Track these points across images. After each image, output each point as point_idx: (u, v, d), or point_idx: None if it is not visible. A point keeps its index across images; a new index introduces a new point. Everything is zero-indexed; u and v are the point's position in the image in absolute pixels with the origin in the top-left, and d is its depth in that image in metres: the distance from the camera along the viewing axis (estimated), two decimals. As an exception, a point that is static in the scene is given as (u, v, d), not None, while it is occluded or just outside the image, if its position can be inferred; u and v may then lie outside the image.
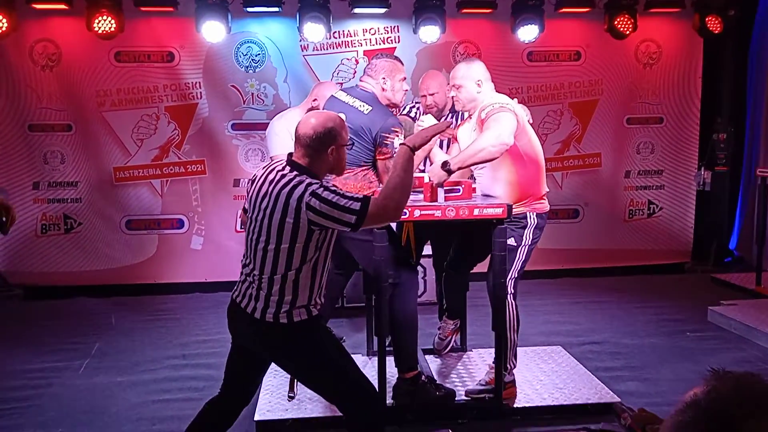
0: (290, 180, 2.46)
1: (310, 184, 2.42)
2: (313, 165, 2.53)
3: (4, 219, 4.00)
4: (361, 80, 3.68)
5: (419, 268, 5.06)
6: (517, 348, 3.70)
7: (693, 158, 6.66)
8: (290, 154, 2.60)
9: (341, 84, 5.64)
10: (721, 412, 1.00)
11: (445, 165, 3.33)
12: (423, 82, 4.37)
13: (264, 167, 2.66)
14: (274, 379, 3.84)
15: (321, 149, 2.53)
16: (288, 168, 2.54)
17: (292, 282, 2.47)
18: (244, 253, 2.62)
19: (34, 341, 4.81)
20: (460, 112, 4.06)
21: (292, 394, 3.67)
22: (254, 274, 2.52)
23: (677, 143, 6.64)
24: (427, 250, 4.78)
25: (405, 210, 3.19)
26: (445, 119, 4.23)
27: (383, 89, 3.57)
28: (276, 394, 3.73)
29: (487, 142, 3.31)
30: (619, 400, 3.61)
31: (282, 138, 4.24)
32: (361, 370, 2.65)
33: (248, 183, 2.69)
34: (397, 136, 3.43)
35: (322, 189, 2.40)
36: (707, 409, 1.01)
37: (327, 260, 2.58)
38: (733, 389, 1.02)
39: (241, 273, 2.61)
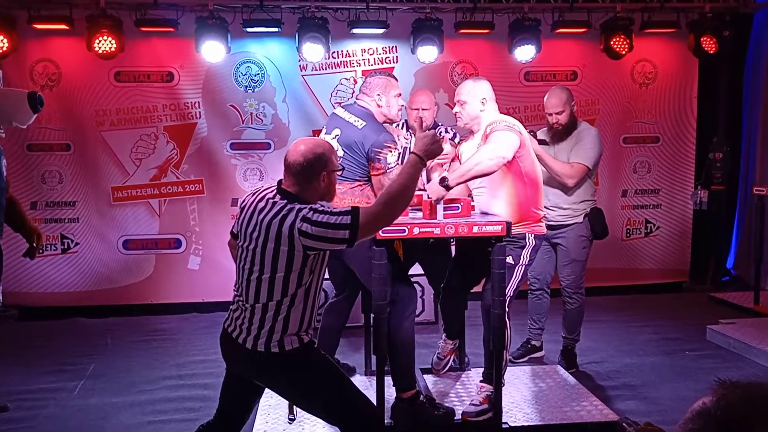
0: (281, 208, 2.42)
1: (300, 210, 2.38)
2: (303, 192, 2.50)
3: (34, 244, 4.01)
4: (357, 98, 3.73)
5: (417, 287, 5.05)
6: (514, 366, 3.69)
7: (689, 177, 6.69)
8: (280, 182, 2.57)
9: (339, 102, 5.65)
10: (735, 419, 1.00)
11: (443, 181, 3.33)
12: (416, 96, 4.40)
13: (253, 193, 2.61)
14: (271, 399, 3.80)
15: (312, 176, 2.50)
16: (278, 196, 2.51)
17: (286, 308, 2.44)
18: (236, 282, 2.58)
19: (30, 362, 4.77)
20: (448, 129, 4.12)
21: (292, 417, 3.63)
22: (246, 305, 2.49)
23: (674, 162, 6.67)
24: (418, 269, 4.78)
25: (404, 228, 3.19)
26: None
27: (379, 105, 3.63)
28: (273, 414, 3.70)
29: (484, 155, 3.35)
30: (618, 417, 3.58)
31: None
32: (359, 389, 2.62)
33: (239, 207, 2.63)
34: (390, 151, 3.45)
35: (311, 212, 2.37)
36: (717, 416, 1.01)
37: (320, 282, 2.55)
38: (743, 396, 1.03)
39: (233, 300, 2.58)
